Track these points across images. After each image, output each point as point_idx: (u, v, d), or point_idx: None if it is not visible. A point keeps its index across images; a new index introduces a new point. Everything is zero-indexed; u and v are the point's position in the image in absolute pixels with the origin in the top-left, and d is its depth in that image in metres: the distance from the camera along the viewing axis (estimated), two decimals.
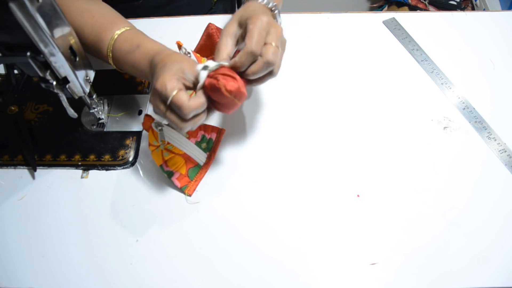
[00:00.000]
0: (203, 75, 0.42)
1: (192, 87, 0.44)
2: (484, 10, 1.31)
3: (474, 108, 0.61)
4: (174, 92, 0.40)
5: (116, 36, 0.50)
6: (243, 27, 0.44)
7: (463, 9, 1.39)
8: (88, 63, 0.51)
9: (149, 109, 0.62)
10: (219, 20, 0.72)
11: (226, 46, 0.44)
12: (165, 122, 0.49)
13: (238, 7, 0.97)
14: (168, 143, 0.50)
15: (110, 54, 0.51)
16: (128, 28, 0.51)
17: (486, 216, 0.52)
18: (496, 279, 0.48)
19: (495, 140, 0.58)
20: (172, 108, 0.42)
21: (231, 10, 0.93)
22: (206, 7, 0.85)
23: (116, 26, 0.51)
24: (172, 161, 0.52)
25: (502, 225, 0.51)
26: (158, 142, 0.50)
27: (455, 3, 1.37)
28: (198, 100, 0.41)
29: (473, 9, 1.39)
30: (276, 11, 0.48)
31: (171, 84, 0.41)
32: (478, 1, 1.37)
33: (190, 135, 0.53)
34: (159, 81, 0.41)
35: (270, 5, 0.48)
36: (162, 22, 0.73)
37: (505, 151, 0.57)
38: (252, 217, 0.53)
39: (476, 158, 0.56)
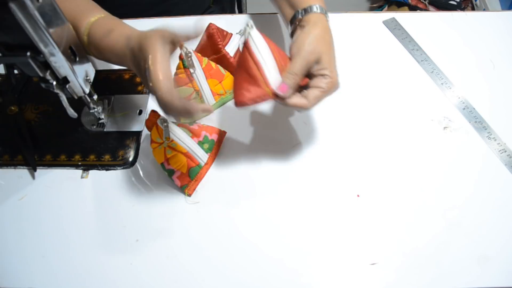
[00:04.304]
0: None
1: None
2: (484, 10, 1.31)
3: (474, 108, 0.61)
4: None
5: (91, 21, 0.49)
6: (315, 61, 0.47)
7: (463, 9, 1.39)
8: (88, 63, 0.51)
9: (149, 109, 0.62)
10: (220, 20, 0.72)
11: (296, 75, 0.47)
12: (171, 119, 0.49)
13: (238, 6, 0.98)
14: (172, 140, 0.51)
15: (86, 39, 0.50)
16: (103, 15, 0.51)
17: (486, 216, 0.52)
18: (496, 279, 0.48)
19: (495, 140, 0.58)
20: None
21: (230, 10, 0.93)
22: (204, 5, 0.84)
23: (91, 13, 0.50)
24: (174, 159, 0.52)
25: (502, 225, 0.51)
26: (161, 139, 0.51)
27: (455, 3, 1.38)
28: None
29: (473, 9, 1.39)
30: (328, 17, 0.51)
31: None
32: (478, 1, 1.37)
33: (193, 134, 0.53)
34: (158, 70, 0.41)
35: (325, 13, 0.51)
36: (162, 22, 0.73)
37: (505, 151, 0.57)
38: (252, 217, 0.53)
39: (476, 158, 0.57)
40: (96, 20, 0.50)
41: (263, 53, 0.45)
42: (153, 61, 0.41)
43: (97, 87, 0.55)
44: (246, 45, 0.45)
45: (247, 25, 0.44)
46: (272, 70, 0.45)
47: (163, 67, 0.41)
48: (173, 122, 0.51)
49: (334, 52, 0.49)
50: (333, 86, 0.48)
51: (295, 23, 0.51)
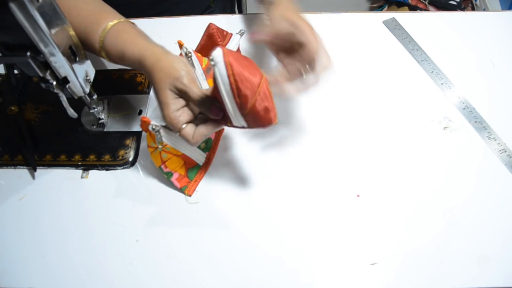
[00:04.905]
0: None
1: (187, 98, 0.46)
2: (484, 10, 1.31)
3: (474, 108, 0.61)
4: (183, 127, 0.45)
5: (101, 43, 0.49)
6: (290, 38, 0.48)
7: (463, 9, 1.39)
8: (88, 63, 0.51)
9: (149, 110, 0.62)
10: (220, 20, 0.72)
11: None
12: (162, 123, 0.48)
13: (238, 6, 0.98)
14: (166, 144, 0.50)
15: (107, 58, 0.51)
16: (112, 24, 0.50)
17: (486, 216, 0.52)
18: (496, 279, 0.48)
19: (495, 140, 0.58)
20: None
21: (230, 9, 0.93)
22: (204, 4, 0.84)
23: (100, 27, 0.49)
24: (171, 162, 0.52)
25: (502, 225, 0.51)
26: (156, 144, 0.50)
27: (455, 3, 1.38)
28: (203, 131, 0.45)
29: (473, 9, 1.39)
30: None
31: (175, 120, 0.45)
32: (478, 1, 1.37)
33: None
34: (165, 116, 0.45)
35: None
36: (162, 22, 0.73)
37: (505, 151, 0.57)
38: (252, 216, 0.53)
39: (476, 158, 0.57)
40: (105, 38, 0.49)
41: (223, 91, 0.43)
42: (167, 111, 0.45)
43: (97, 87, 0.55)
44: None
45: (212, 59, 0.41)
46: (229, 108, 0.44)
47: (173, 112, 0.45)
48: (163, 127, 0.49)
49: (309, 23, 0.49)
50: (318, 46, 0.48)
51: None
